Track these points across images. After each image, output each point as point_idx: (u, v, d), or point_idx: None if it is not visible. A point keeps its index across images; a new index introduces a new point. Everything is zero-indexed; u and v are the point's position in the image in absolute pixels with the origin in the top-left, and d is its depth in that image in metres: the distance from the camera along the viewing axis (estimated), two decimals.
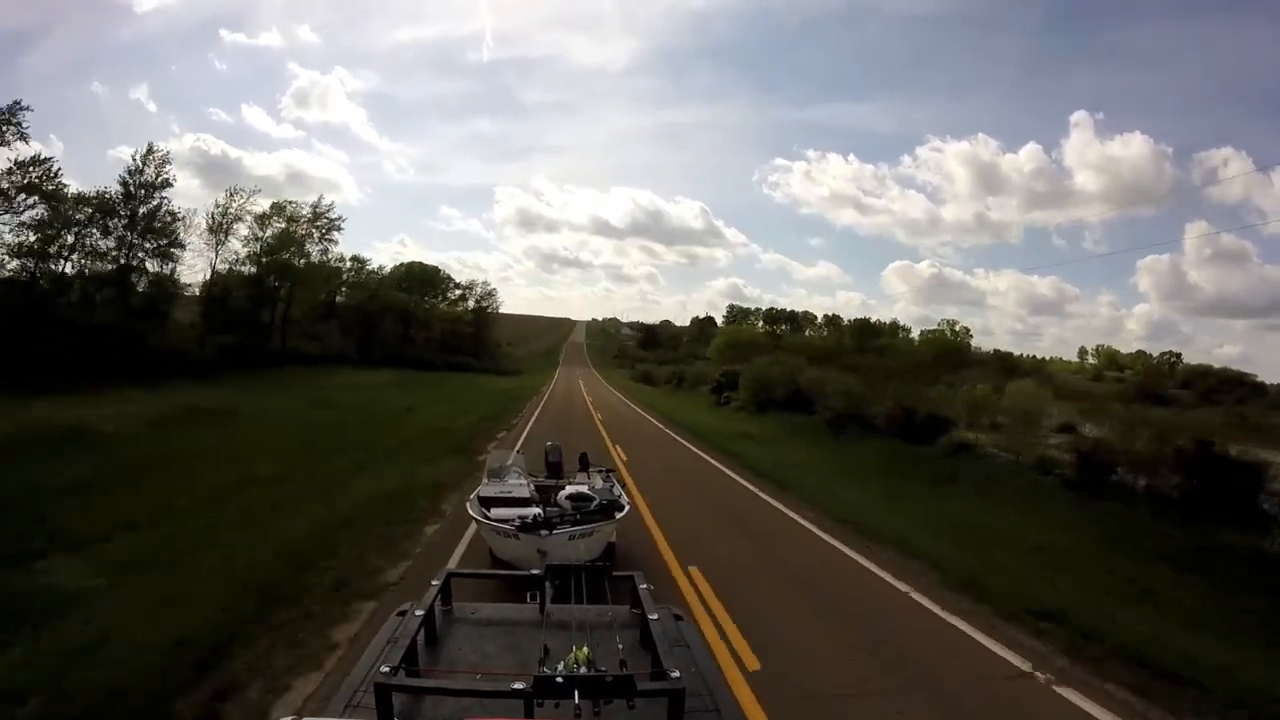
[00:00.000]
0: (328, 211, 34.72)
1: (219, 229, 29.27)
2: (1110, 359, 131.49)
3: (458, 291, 60.33)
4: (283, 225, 31.86)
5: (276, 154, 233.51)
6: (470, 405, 25.63)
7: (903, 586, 7.17)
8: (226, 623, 5.41)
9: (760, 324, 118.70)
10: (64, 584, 6.43)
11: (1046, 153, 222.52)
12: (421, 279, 56.19)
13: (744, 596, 6.54)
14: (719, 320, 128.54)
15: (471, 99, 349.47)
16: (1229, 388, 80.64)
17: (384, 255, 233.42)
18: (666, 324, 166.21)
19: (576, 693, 1.43)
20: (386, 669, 1.57)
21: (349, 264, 43.92)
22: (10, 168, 22.26)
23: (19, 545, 7.40)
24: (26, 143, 22.95)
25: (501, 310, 73.71)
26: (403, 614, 2.04)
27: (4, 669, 4.51)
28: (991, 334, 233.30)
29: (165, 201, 26.89)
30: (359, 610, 5.87)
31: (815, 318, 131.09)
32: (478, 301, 63.98)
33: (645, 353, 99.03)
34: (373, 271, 48.29)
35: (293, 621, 5.52)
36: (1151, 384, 77.14)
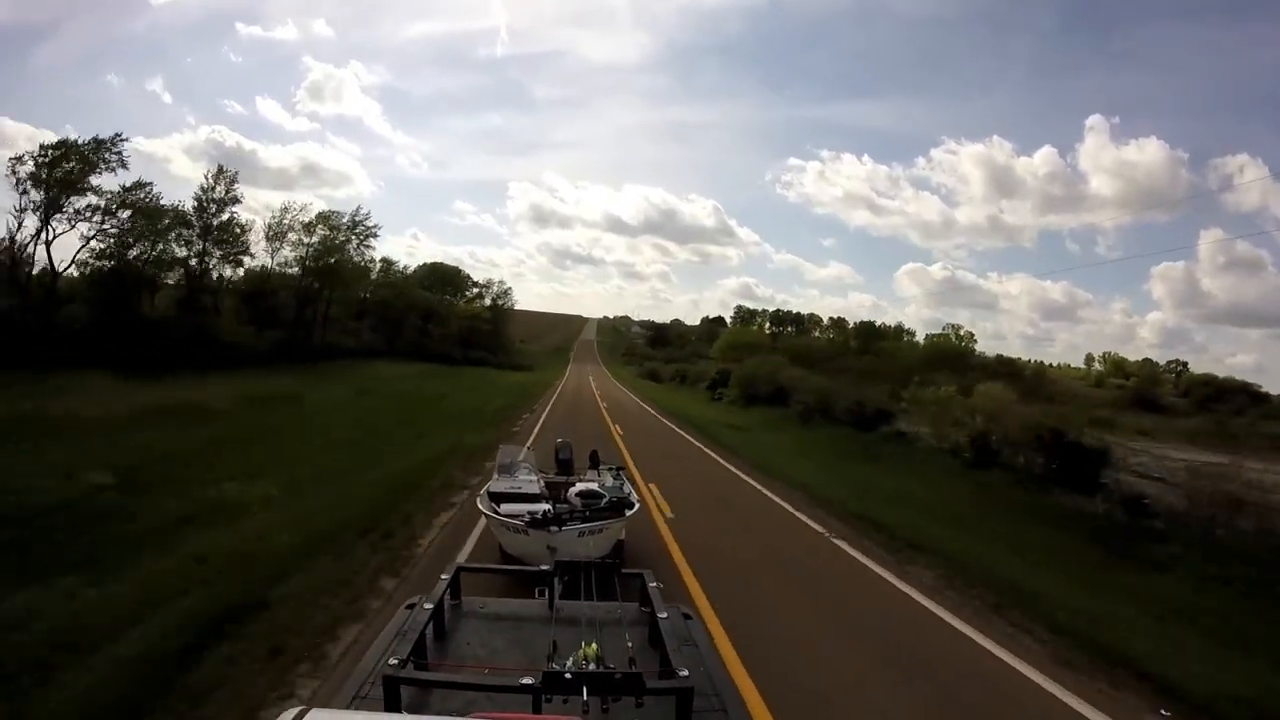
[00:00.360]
0: (365, 219, 38.92)
1: (275, 237, 33.52)
2: (1117, 366, 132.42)
3: (475, 290, 65.31)
4: (326, 232, 36.01)
5: (290, 146, 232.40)
6: (493, 395, 29.55)
7: (794, 509, 10.92)
8: (373, 510, 9.18)
9: (766, 325, 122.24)
10: (250, 495, 10.25)
11: (1061, 156, 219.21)
12: (443, 278, 60.83)
13: (680, 500, 10.36)
14: (730, 320, 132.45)
15: (484, 94, 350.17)
16: (1229, 396, 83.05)
17: (397, 248, 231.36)
18: (677, 322, 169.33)
19: (585, 689, 1.44)
20: (395, 661, 1.59)
21: (379, 264, 48.06)
22: (120, 192, 26.47)
23: (205, 476, 11.24)
24: (126, 169, 27.14)
25: (515, 307, 78.13)
26: (411, 607, 2.06)
27: (241, 534, 8.25)
28: (1003, 338, 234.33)
29: (235, 215, 31.27)
30: (460, 494, 9.87)
31: (821, 320, 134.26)
32: (494, 299, 68.54)
33: (653, 351, 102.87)
34: (398, 271, 52.23)
35: (420, 502, 9.39)
36: (1146, 391, 79.88)
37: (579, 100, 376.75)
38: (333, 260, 34.97)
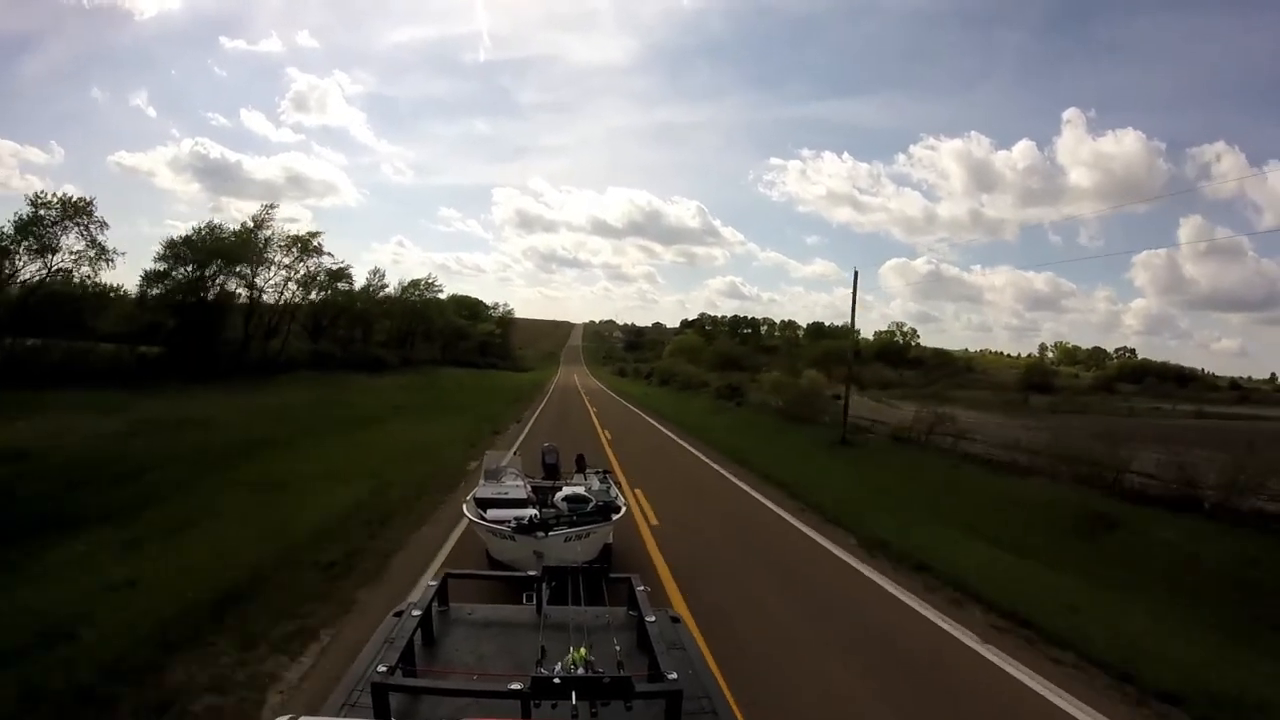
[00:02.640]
0: (434, 281, 58.65)
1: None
2: (1067, 354, 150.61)
3: (490, 311, 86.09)
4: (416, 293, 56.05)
5: (275, 158, 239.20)
6: (516, 384, 49.99)
7: (660, 426, 31.61)
8: (470, 435, 29.36)
9: (725, 330, 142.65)
10: (440, 423, 30.51)
11: (1040, 149, 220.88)
12: (468, 305, 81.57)
13: (608, 423, 30.96)
14: (691, 329, 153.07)
15: (468, 100, 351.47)
16: (1162, 378, 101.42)
17: (382, 256, 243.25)
18: (658, 326, 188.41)
19: (574, 694, 1.46)
20: (383, 669, 1.60)
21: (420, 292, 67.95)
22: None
23: (427, 409, 31.32)
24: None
25: (515, 315, 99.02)
26: (399, 614, 2.06)
27: (432, 432, 28.59)
28: (989, 329, 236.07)
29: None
30: (541, 398, 30.24)
31: (775, 322, 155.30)
32: (499, 321, 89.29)
33: (628, 354, 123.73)
34: (438, 297, 72.25)
35: (532, 397, 30.02)
36: (1034, 376, 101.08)
37: (562, 104, 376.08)
38: (417, 303, 55.12)
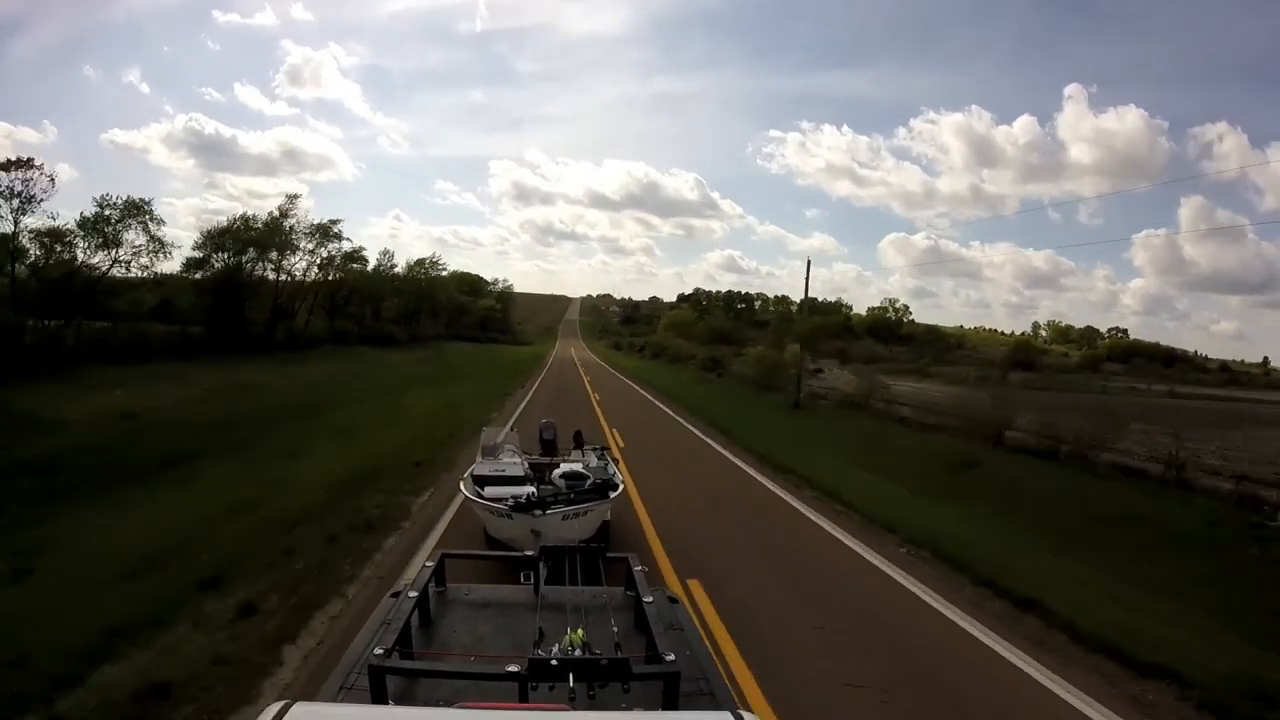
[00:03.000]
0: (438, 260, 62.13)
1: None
2: (1060, 333, 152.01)
3: (490, 286, 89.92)
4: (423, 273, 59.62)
5: (270, 132, 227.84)
6: (517, 357, 53.92)
7: (645, 393, 35.64)
8: (517, 369, 33.35)
9: (719, 305, 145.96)
10: (459, 382, 34.50)
11: (1041, 125, 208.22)
12: (470, 282, 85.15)
13: (597, 383, 35.01)
14: (688, 303, 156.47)
15: (465, 71, 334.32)
16: (1152, 358, 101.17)
17: (379, 230, 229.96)
18: (654, 299, 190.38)
19: (571, 675, 1.46)
20: (380, 651, 1.60)
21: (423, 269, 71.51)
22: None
23: (445, 378, 35.26)
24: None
25: (514, 290, 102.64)
26: (396, 595, 2.06)
27: (453, 393, 32.59)
28: (987, 306, 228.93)
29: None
30: (541, 370, 34.32)
31: (769, 298, 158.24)
32: (499, 297, 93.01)
33: (623, 328, 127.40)
34: (441, 275, 75.79)
35: (532, 368, 34.09)
36: (1020, 354, 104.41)
37: (559, 75, 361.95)
38: (423, 281, 58.84)
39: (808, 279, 28.01)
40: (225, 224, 33.92)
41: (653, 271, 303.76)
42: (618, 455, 10.87)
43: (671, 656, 1.62)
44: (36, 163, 24.93)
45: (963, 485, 13.66)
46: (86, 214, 26.78)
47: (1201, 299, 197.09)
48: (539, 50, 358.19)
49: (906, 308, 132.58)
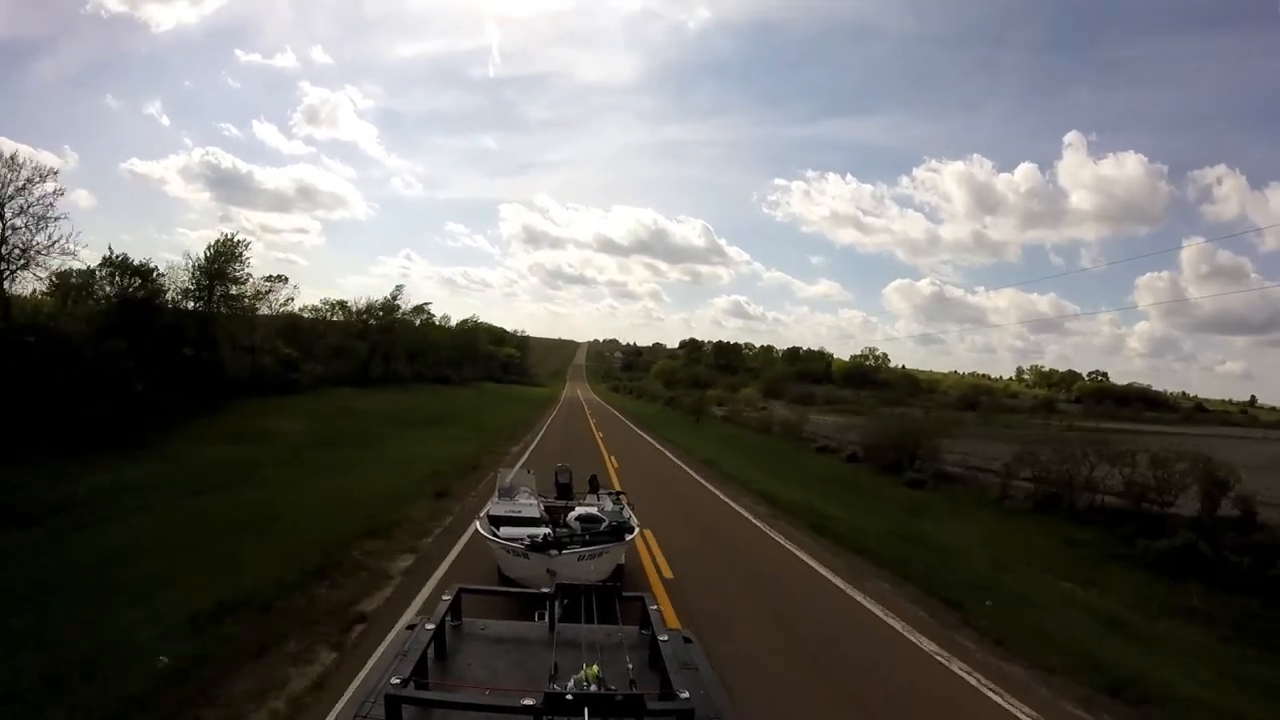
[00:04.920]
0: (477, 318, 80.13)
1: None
2: (1042, 377, 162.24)
3: (511, 336, 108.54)
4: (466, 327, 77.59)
5: (286, 169, 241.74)
6: (538, 395, 70.90)
7: (630, 423, 52.53)
8: (536, 410, 50.05)
9: (709, 355, 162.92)
10: (482, 415, 51.38)
11: (1041, 172, 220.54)
12: (495, 332, 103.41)
13: (596, 415, 51.98)
14: (686, 350, 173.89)
15: (476, 116, 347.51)
16: (1123, 401, 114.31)
17: (390, 269, 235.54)
18: (658, 346, 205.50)
19: (586, 711, 1.47)
20: (396, 681, 1.63)
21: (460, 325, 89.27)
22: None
23: (470, 412, 52.03)
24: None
25: (515, 329, 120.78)
26: (413, 628, 2.11)
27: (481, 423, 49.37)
28: (993, 351, 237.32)
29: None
30: (553, 408, 51.41)
31: (755, 347, 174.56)
32: (518, 344, 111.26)
33: (623, 374, 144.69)
34: (473, 328, 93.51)
35: (547, 405, 51.17)
36: (969, 396, 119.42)
37: (568, 121, 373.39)
38: (469, 334, 76.64)
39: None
40: (380, 301, 53.02)
41: (660, 316, 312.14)
42: (633, 500, 10.00)
43: (686, 694, 1.65)
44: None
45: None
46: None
47: (1206, 340, 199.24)
48: (549, 97, 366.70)
49: (885, 355, 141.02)
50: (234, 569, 7.73)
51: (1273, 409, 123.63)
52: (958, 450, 24.75)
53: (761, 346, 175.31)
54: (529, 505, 7.91)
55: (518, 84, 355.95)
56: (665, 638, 2.03)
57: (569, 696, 1.50)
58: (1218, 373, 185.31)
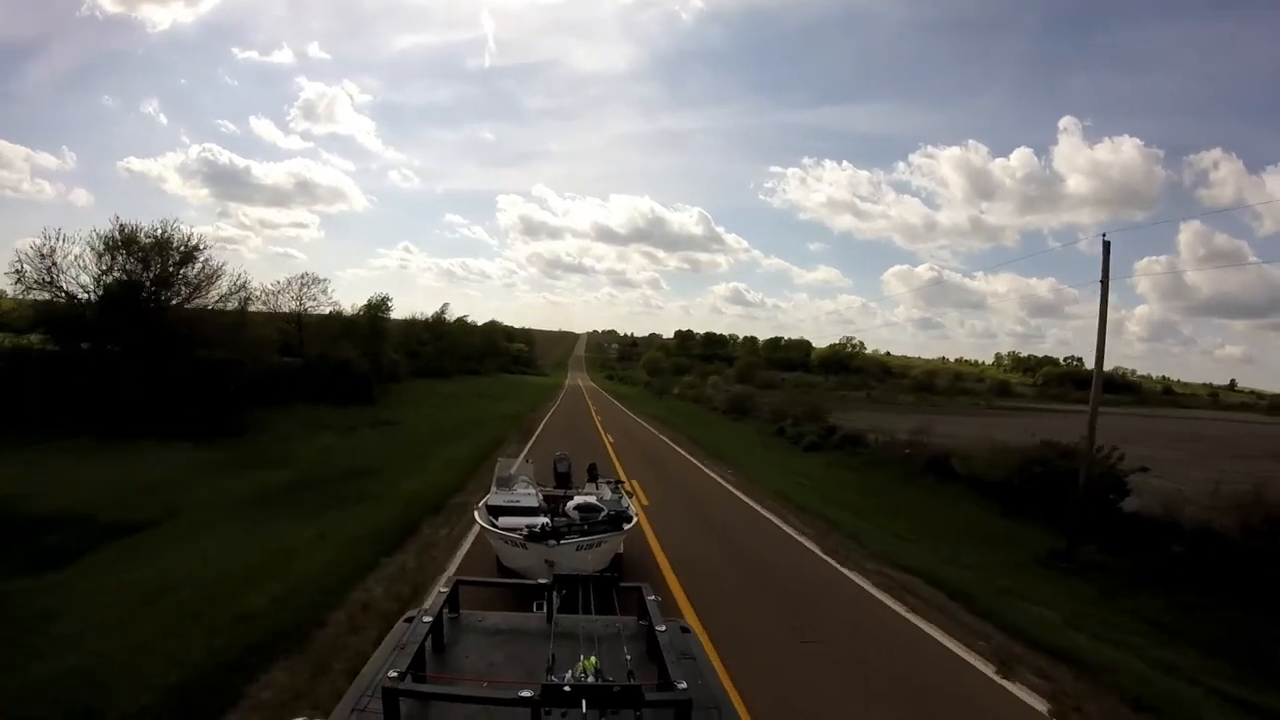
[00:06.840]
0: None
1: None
2: (1020, 362, 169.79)
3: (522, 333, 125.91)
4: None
5: (283, 164, 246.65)
6: (547, 384, 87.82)
7: (613, 399, 69.59)
8: (545, 394, 66.82)
9: (700, 345, 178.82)
10: (504, 403, 68.25)
11: (1037, 157, 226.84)
12: (506, 330, 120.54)
13: (590, 394, 69.05)
14: (679, 341, 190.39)
15: (473, 107, 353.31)
16: (1072, 383, 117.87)
17: (389, 260, 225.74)
18: (655, 336, 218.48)
19: (584, 702, 1.48)
20: (394, 674, 1.62)
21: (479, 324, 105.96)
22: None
23: (495, 393, 68.83)
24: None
25: (523, 326, 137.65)
26: (410, 620, 2.11)
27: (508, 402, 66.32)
28: (994, 336, 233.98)
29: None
30: (559, 393, 68.48)
31: (739, 338, 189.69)
32: (526, 339, 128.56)
33: (618, 364, 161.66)
34: (490, 328, 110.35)
35: (552, 392, 68.35)
36: (925, 380, 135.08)
37: (566, 110, 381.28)
38: (492, 333, 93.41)
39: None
40: (447, 320, 70.92)
41: (659, 304, 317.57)
42: (632, 489, 10.04)
43: (684, 685, 1.65)
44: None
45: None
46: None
47: (1205, 323, 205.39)
48: (546, 87, 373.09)
49: (861, 343, 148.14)
50: (480, 432, 24.83)
51: (1254, 393, 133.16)
52: (868, 422, 30.29)
53: (746, 336, 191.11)
54: (527, 495, 7.96)
55: (514, 75, 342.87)
56: (663, 628, 2.04)
57: (567, 688, 1.51)
58: (1216, 356, 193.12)
